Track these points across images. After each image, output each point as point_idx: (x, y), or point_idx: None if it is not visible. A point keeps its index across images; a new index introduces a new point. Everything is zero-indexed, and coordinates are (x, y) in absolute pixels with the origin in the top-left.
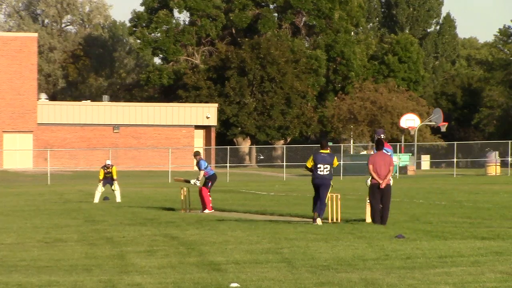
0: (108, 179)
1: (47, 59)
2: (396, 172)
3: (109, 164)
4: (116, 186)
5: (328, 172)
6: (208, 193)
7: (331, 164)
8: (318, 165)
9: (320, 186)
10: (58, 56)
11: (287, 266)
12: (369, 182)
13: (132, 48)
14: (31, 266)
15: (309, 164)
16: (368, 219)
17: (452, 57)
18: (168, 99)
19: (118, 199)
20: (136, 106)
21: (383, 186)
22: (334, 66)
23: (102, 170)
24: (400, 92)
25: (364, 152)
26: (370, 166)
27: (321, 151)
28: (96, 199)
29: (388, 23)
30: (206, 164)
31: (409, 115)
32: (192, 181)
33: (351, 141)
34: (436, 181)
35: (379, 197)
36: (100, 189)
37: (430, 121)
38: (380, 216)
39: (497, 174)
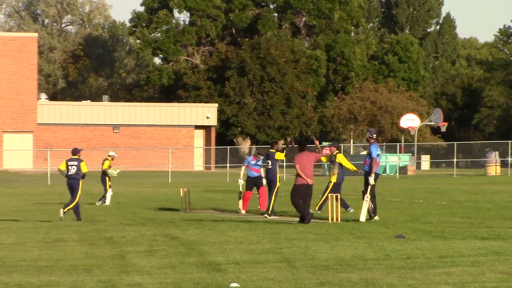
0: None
1: (47, 59)
2: (396, 172)
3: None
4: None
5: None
6: (250, 196)
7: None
8: (268, 161)
9: (271, 180)
10: (58, 56)
11: (287, 266)
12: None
13: (132, 48)
14: (31, 266)
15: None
16: (362, 218)
17: (452, 57)
18: (168, 99)
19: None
20: (136, 106)
21: (311, 183)
22: (334, 66)
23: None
24: (400, 92)
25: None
26: (297, 166)
27: (271, 150)
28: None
29: (388, 23)
30: (247, 161)
31: (409, 115)
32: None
33: (351, 141)
34: (436, 181)
35: (302, 196)
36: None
37: (430, 121)
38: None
39: (497, 174)
